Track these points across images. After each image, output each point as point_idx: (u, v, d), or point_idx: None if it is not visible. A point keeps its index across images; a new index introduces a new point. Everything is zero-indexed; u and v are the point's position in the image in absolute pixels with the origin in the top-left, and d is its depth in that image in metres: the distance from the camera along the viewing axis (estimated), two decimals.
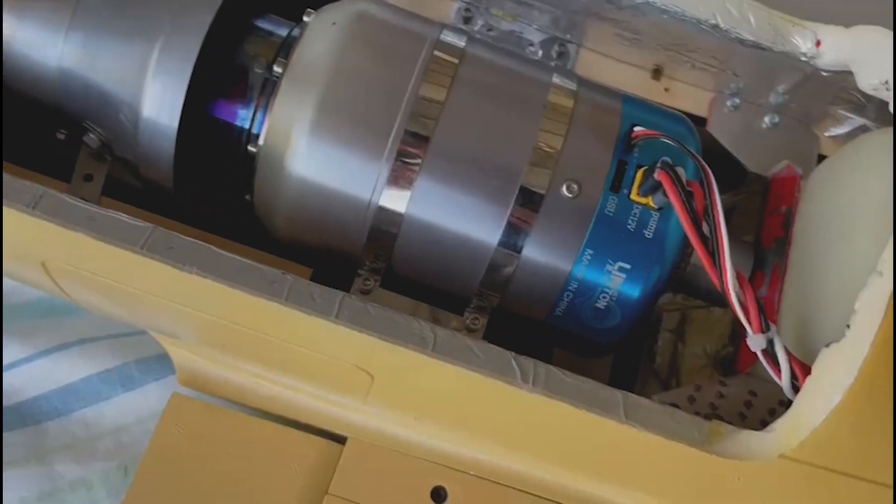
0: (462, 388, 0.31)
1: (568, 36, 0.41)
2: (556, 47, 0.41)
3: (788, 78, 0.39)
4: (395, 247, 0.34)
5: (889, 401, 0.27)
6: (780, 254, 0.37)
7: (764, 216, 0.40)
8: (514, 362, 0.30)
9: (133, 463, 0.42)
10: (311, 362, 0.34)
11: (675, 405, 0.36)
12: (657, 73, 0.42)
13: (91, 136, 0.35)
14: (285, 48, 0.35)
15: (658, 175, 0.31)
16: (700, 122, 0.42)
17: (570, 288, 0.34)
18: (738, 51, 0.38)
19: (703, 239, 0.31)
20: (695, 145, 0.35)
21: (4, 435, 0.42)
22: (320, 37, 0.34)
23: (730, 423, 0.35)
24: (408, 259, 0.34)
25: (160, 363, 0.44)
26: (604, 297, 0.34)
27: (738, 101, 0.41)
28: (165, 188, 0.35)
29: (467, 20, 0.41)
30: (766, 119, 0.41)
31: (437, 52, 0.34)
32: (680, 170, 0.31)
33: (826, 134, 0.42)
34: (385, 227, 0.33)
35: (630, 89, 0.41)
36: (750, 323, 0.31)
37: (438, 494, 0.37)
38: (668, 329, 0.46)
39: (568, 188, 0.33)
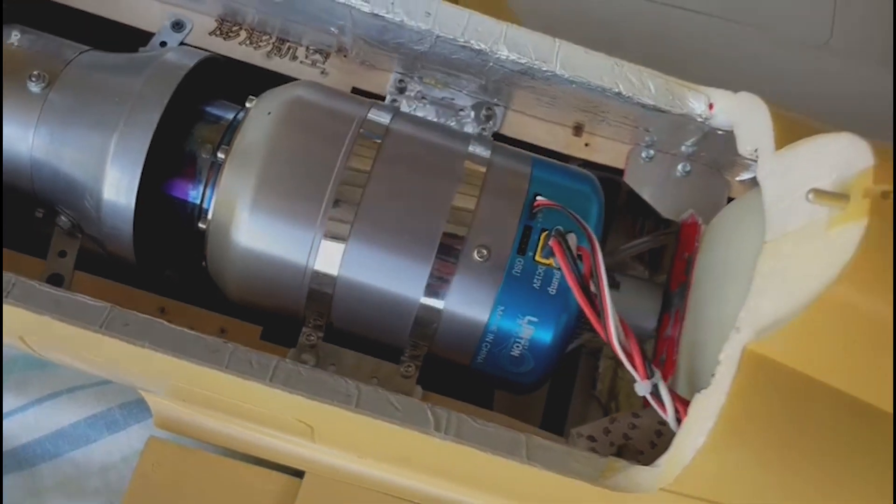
0: (386, 435, 0.35)
1: (495, 100, 0.45)
2: (484, 110, 0.45)
3: (692, 134, 0.43)
4: (332, 305, 0.38)
5: (746, 440, 0.31)
6: (681, 298, 0.41)
7: (674, 261, 0.44)
8: (428, 413, 0.35)
9: (118, 499, 0.47)
10: (259, 414, 0.38)
11: (592, 437, 0.40)
12: (578, 129, 0.46)
13: (62, 217, 0.40)
14: (229, 133, 0.39)
15: (551, 242, 0.35)
16: (620, 173, 0.46)
17: (487, 339, 0.38)
18: (644, 113, 0.42)
19: (590, 297, 0.35)
20: (598, 203, 0.39)
21: (4, 478, 0.47)
22: (257, 125, 0.38)
23: (641, 452, 0.39)
24: (345, 315, 0.39)
25: (140, 407, 0.49)
26: (517, 346, 0.38)
27: (652, 152, 0.45)
28: (129, 261, 0.40)
29: (401, 90, 0.45)
30: (679, 167, 0.45)
31: (363, 130, 0.38)
32: (571, 237, 0.36)
33: (737, 179, 0.46)
34: (321, 289, 0.38)
35: (553, 145, 0.46)
36: (636, 370, 0.35)
37: None
38: (608, 356, 0.50)
39: (478, 253, 0.37)
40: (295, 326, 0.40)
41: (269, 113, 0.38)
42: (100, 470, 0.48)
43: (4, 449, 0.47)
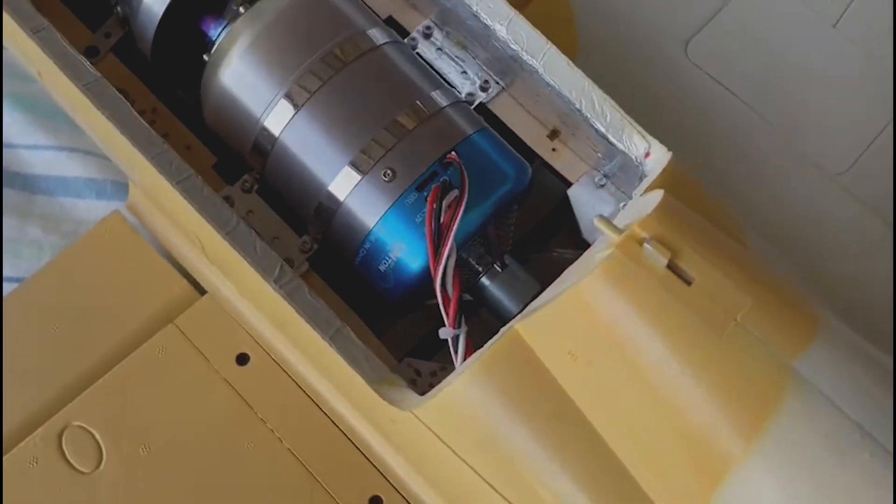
0: (244, 274, 0.42)
1: (498, 79, 0.51)
2: (482, 82, 0.51)
3: (636, 176, 0.47)
4: (267, 161, 0.46)
5: (476, 400, 0.36)
6: None
7: None
8: (279, 267, 0.41)
9: None
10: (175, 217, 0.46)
11: (418, 371, 0.46)
12: (554, 133, 0.50)
13: (118, 8, 0.49)
14: None
15: (433, 186, 0.41)
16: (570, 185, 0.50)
17: (365, 245, 0.44)
18: (598, 139, 0.46)
19: (438, 241, 0.40)
20: (510, 185, 0.44)
21: (7, 190, 0.57)
22: None
23: None
24: (274, 174, 0.46)
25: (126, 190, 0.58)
26: (385, 262, 0.44)
27: (605, 181, 0.49)
28: (150, 63, 0.49)
29: (426, 35, 0.51)
30: (621, 204, 0.49)
31: (358, 36, 0.45)
32: (453, 192, 0.41)
33: None
34: (263, 144, 0.45)
35: (526, 138, 0.51)
36: (447, 317, 0.40)
37: (243, 358, 0.48)
38: None
39: (384, 173, 0.43)
40: (242, 170, 0.48)
41: None
42: (76, 221, 0.58)
43: (21, 171, 0.58)
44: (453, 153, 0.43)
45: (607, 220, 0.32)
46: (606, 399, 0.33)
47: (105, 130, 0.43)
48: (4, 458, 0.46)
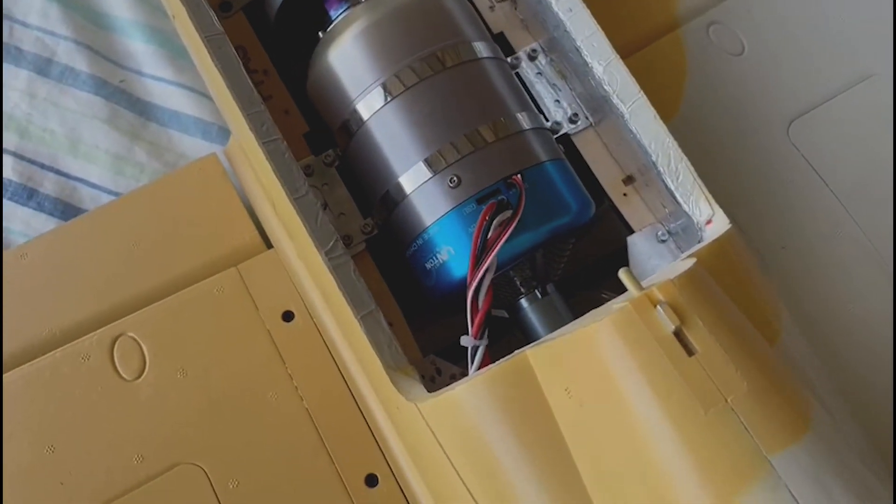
0: (302, 238, 0.45)
1: (588, 114, 0.52)
2: (572, 115, 0.52)
3: (695, 237, 0.47)
4: (351, 141, 0.48)
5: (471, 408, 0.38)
6: None
7: None
8: (333, 240, 0.44)
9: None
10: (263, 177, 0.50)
11: (439, 370, 0.48)
12: (629, 179, 0.51)
13: None
14: None
15: (487, 204, 0.43)
16: (632, 232, 0.51)
17: (418, 241, 0.46)
18: (668, 195, 0.47)
19: (481, 255, 0.42)
20: (568, 219, 0.46)
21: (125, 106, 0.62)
22: None
23: None
24: (354, 154, 0.49)
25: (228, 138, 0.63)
26: (432, 261, 0.46)
27: (667, 236, 0.50)
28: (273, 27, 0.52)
29: (532, 58, 0.53)
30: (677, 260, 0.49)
31: (461, 44, 0.47)
32: (506, 213, 0.43)
33: None
34: (351, 124, 0.48)
35: (600, 177, 0.52)
36: (471, 325, 0.42)
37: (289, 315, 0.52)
38: None
39: (451, 179, 0.45)
40: (330, 143, 0.51)
41: None
42: (179, 154, 0.62)
43: (142, 97, 0.63)
44: (518, 176, 0.44)
45: (631, 275, 0.33)
46: (589, 441, 0.34)
47: (216, 81, 0.47)
48: (62, 348, 0.51)
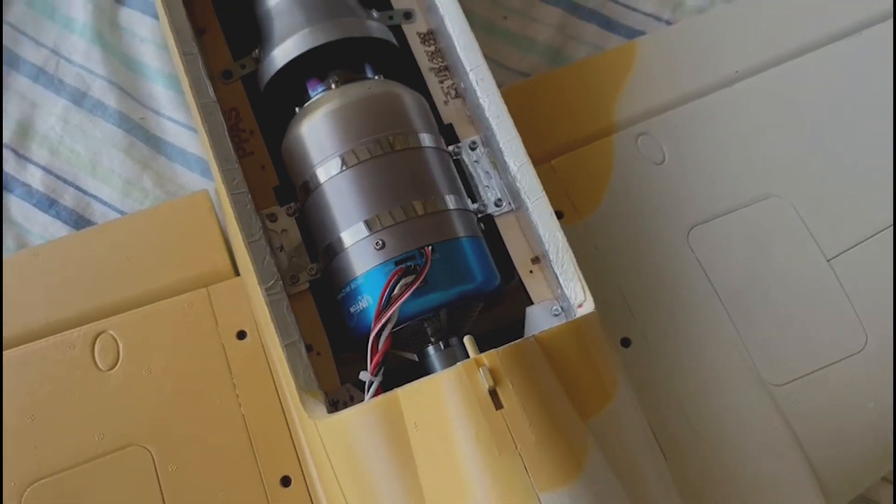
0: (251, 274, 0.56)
1: (511, 201, 0.61)
2: (497, 199, 0.62)
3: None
4: (308, 198, 0.59)
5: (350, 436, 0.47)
6: None
7: None
8: (277, 281, 0.55)
9: None
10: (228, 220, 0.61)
11: (352, 397, 0.57)
12: (535, 260, 0.60)
13: (257, 50, 0.64)
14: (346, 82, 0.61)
15: (397, 267, 0.53)
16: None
17: (347, 287, 0.56)
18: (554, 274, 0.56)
19: (385, 307, 0.52)
20: (471, 287, 0.55)
21: (141, 139, 0.74)
22: (360, 87, 0.59)
23: None
24: (310, 208, 0.59)
25: None
26: (355, 306, 0.56)
27: (560, 312, 0.59)
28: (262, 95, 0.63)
29: (472, 148, 0.63)
30: None
31: (409, 133, 0.57)
32: (407, 279, 0.52)
33: None
34: (310, 184, 0.58)
35: (514, 258, 0.61)
36: (370, 363, 0.51)
37: (242, 334, 0.62)
38: None
39: (377, 242, 0.55)
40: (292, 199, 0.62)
41: (370, 87, 0.59)
42: (179, 185, 0.74)
43: (156, 133, 0.75)
44: (429, 248, 0.54)
45: (472, 341, 0.42)
46: (429, 467, 0.44)
47: (203, 138, 0.58)
48: (54, 336, 0.62)
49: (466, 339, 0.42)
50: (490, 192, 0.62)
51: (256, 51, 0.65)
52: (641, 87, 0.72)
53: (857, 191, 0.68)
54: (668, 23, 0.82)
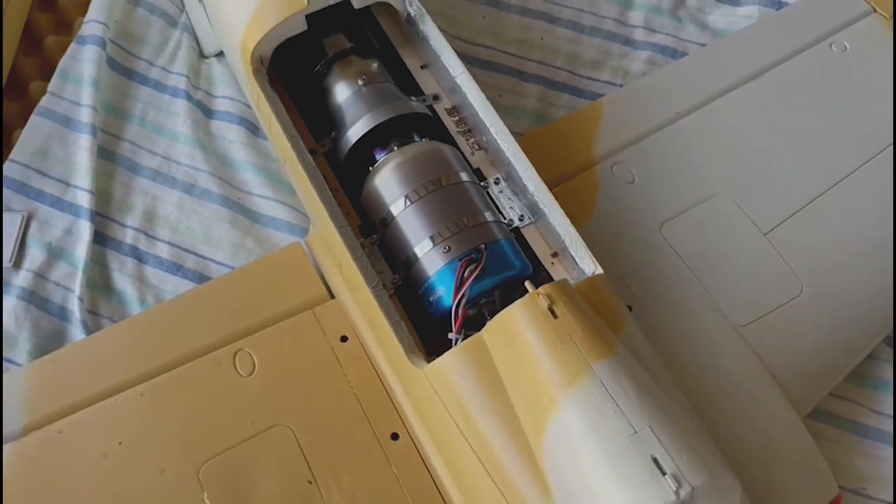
0: (358, 281, 0.78)
1: (530, 216, 0.85)
2: (520, 216, 0.85)
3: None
4: (386, 229, 0.81)
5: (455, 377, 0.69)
6: None
7: None
8: (379, 282, 0.77)
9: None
10: (335, 249, 0.83)
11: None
12: (554, 255, 0.83)
13: (333, 133, 0.89)
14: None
15: (463, 260, 0.75)
16: None
17: (425, 285, 0.78)
18: (572, 261, 0.79)
19: (460, 287, 0.74)
20: (513, 273, 0.77)
21: (240, 212, 0.97)
22: (416, 147, 0.83)
23: None
24: (388, 236, 0.81)
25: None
26: (433, 297, 0.78)
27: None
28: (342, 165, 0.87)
29: (496, 183, 0.87)
30: None
31: (452, 174, 0.81)
32: (472, 267, 0.75)
33: None
34: (386, 219, 0.81)
35: (538, 254, 0.84)
36: (455, 325, 0.73)
37: (344, 338, 0.84)
38: None
39: (444, 247, 0.78)
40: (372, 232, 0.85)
41: (420, 146, 0.83)
42: (274, 243, 0.97)
43: (251, 208, 0.98)
44: (482, 245, 0.77)
45: (531, 283, 0.65)
46: (511, 376, 0.65)
47: (312, 192, 0.81)
48: (201, 358, 0.83)
49: (527, 283, 0.65)
50: (513, 212, 0.86)
51: (333, 133, 0.89)
52: (609, 132, 0.97)
53: (778, 183, 0.93)
54: (621, 86, 1.08)
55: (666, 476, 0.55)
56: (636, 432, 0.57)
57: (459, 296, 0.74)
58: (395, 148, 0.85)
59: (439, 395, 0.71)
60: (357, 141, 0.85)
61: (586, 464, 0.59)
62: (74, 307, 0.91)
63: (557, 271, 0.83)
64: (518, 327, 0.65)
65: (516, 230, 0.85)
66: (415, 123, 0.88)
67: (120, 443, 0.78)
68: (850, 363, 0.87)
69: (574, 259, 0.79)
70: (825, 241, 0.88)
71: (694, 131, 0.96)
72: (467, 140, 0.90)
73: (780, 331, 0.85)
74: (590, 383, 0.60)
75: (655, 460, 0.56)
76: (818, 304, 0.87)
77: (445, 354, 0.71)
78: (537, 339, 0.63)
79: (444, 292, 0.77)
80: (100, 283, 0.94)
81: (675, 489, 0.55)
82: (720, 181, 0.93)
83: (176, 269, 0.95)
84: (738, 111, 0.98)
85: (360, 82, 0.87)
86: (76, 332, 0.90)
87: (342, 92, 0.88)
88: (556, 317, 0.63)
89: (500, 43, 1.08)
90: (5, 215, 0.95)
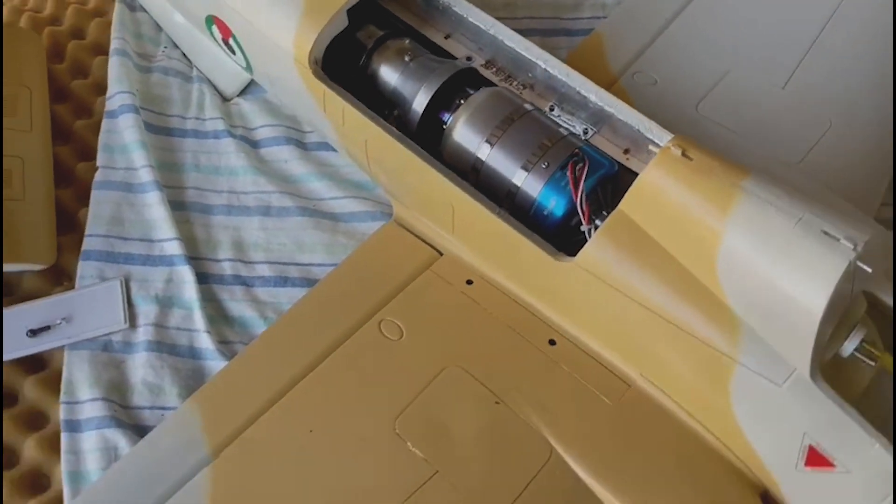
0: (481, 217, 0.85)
1: (594, 126, 0.94)
2: (583, 130, 0.95)
3: None
4: (479, 174, 0.90)
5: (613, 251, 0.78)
6: None
7: None
8: (498, 210, 0.85)
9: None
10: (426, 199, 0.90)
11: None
12: (626, 151, 0.93)
13: (395, 111, 0.97)
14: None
15: (570, 162, 0.84)
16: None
17: (535, 204, 0.87)
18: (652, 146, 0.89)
19: (577, 184, 0.83)
20: (605, 170, 0.87)
21: (322, 216, 1.04)
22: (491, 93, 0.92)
23: None
24: (483, 180, 0.90)
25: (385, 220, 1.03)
26: (546, 209, 0.86)
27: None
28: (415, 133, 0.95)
29: (552, 109, 0.96)
30: None
31: (518, 107, 0.91)
32: (580, 165, 0.84)
33: None
34: (476, 164, 0.89)
35: (611, 154, 0.94)
36: (584, 217, 0.82)
37: (469, 281, 0.91)
38: None
39: (543, 164, 0.86)
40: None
41: (479, 96, 0.92)
42: (362, 233, 1.03)
43: (329, 211, 1.05)
44: (576, 150, 0.86)
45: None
46: (663, 230, 0.74)
47: (412, 160, 0.89)
48: (351, 337, 0.88)
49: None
50: (576, 129, 0.95)
51: (396, 112, 0.97)
52: (617, 50, 1.09)
53: (777, 40, 1.06)
54: (605, 17, 1.21)
55: (840, 241, 0.65)
56: (801, 219, 0.67)
57: (580, 191, 0.82)
58: (461, 103, 0.93)
59: (600, 276, 0.79)
60: (425, 109, 0.93)
61: (766, 267, 0.68)
62: (204, 343, 0.94)
63: (635, 164, 0.92)
64: (661, 184, 0.74)
65: (586, 142, 0.94)
66: (465, 80, 0.96)
67: (311, 430, 0.82)
68: (887, 173, 1.01)
69: (654, 142, 0.88)
70: (835, 73, 1.01)
71: (690, 24, 1.08)
72: (510, 85, 0.99)
73: (826, 161, 0.97)
74: (745, 199, 0.70)
75: (826, 233, 0.66)
76: (848, 130, 1.00)
77: (593, 238, 0.79)
78: (683, 185, 0.73)
79: (555, 202, 0.86)
80: (217, 316, 0.97)
81: (852, 247, 0.65)
82: (729, 57, 1.05)
83: (283, 281, 0.99)
84: None
85: (406, 58, 0.96)
86: (213, 365, 0.93)
87: (392, 73, 0.97)
88: (691, 159, 0.73)
89: (490, 11, 1.19)
90: (105, 285, 0.98)
